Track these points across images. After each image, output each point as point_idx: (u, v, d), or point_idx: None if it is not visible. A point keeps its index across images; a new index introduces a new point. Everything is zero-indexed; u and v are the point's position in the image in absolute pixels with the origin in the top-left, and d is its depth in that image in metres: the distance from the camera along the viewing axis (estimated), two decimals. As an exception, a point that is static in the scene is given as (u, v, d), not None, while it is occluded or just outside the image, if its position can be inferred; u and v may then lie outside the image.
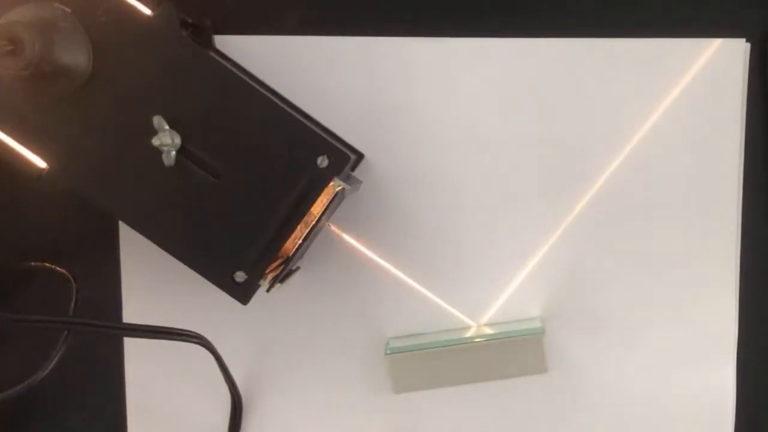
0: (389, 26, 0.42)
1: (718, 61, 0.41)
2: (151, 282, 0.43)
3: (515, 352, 0.41)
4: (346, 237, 0.42)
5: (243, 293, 0.36)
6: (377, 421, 0.43)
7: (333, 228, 0.42)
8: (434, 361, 0.42)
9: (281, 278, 0.38)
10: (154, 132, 0.34)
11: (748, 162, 0.42)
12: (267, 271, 0.36)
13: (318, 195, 0.36)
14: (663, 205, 0.42)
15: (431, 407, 0.43)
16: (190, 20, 0.38)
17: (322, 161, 0.35)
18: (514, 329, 0.41)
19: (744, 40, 0.41)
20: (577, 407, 0.43)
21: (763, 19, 0.42)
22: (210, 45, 0.39)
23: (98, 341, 0.43)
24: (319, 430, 0.42)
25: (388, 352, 0.41)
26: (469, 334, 0.42)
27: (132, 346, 0.43)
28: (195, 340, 0.39)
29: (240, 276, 0.36)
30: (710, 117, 0.42)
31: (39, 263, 0.42)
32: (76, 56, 0.34)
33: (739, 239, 0.42)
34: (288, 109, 0.36)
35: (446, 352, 0.41)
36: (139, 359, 0.43)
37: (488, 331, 0.42)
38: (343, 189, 0.36)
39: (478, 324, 0.43)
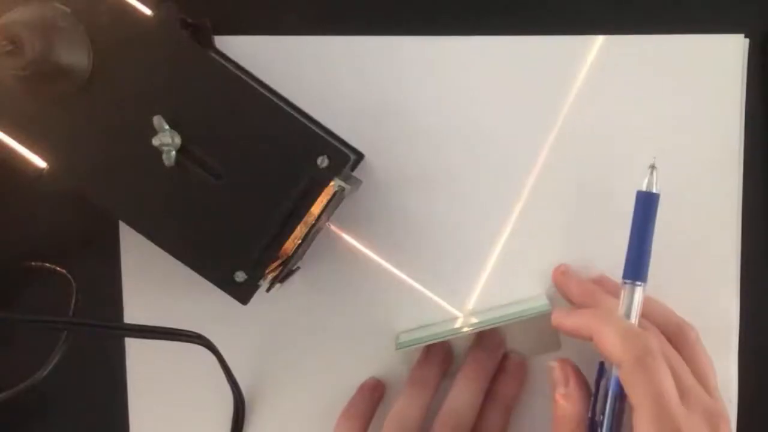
0: (390, 26, 0.42)
1: (717, 57, 0.41)
2: (152, 282, 0.43)
3: (527, 332, 0.41)
4: (346, 237, 0.42)
5: (243, 293, 0.36)
6: (380, 418, 0.43)
7: (333, 228, 0.42)
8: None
9: (281, 278, 0.38)
10: (154, 132, 0.34)
11: (747, 158, 0.42)
12: (267, 271, 0.36)
13: (318, 195, 0.35)
14: (662, 200, 0.42)
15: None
16: (190, 20, 0.38)
17: (322, 161, 0.35)
18: (521, 309, 0.41)
19: (743, 35, 0.41)
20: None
21: (762, 15, 0.42)
22: (210, 45, 0.39)
23: (99, 341, 0.43)
24: (321, 429, 0.42)
25: (399, 347, 0.41)
26: (476, 320, 0.42)
27: (133, 346, 0.43)
28: (196, 341, 0.39)
29: (240, 276, 0.36)
30: (709, 113, 0.42)
31: (39, 263, 0.42)
32: (76, 56, 0.34)
33: (740, 235, 0.42)
34: (288, 109, 0.36)
35: (458, 340, 0.42)
36: (141, 359, 0.43)
37: (496, 314, 0.41)
38: (343, 189, 0.36)
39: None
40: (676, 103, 0.42)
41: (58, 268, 0.42)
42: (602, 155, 0.42)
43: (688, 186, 0.42)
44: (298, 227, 0.36)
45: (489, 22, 0.42)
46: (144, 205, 0.36)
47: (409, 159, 0.42)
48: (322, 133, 0.36)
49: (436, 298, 0.43)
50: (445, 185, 0.42)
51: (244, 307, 0.36)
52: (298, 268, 0.42)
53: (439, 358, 0.42)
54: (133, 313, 0.43)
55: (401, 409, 0.40)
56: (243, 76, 0.36)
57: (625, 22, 0.42)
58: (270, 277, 0.37)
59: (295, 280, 0.41)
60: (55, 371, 0.38)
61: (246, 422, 0.43)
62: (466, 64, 0.42)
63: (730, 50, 0.41)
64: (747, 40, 0.42)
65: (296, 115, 0.37)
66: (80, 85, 0.34)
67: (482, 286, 0.43)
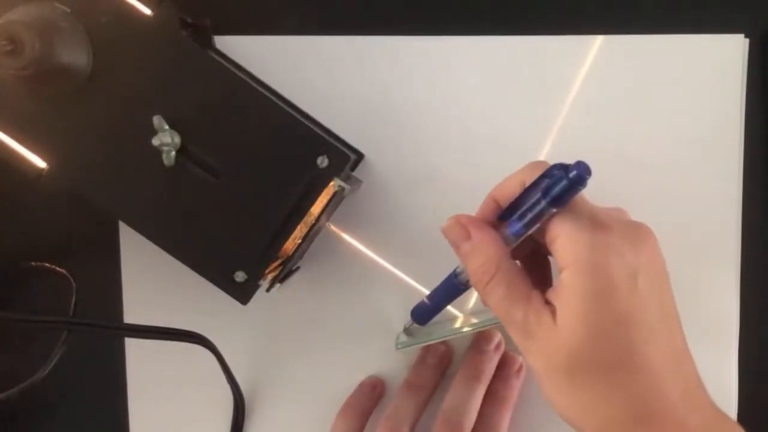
0: (389, 26, 0.42)
1: (717, 57, 0.42)
2: (151, 282, 0.43)
3: None
4: (346, 237, 0.42)
5: (243, 293, 0.36)
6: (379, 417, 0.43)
7: (333, 228, 0.42)
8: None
9: (281, 278, 0.38)
10: (154, 132, 0.34)
11: (747, 158, 0.42)
12: (267, 271, 0.36)
13: (318, 195, 0.36)
14: (663, 200, 0.42)
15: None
16: (190, 20, 0.38)
17: (322, 161, 0.35)
18: None
19: (743, 35, 0.42)
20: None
21: (762, 15, 0.42)
22: (210, 45, 0.39)
23: (98, 341, 0.43)
24: (321, 429, 0.42)
25: (399, 347, 0.41)
26: (476, 320, 0.42)
27: (133, 346, 0.43)
28: (196, 341, 0.39)
29: (240, 276, 0.36)
30: (710, 112, 0.42)
31: (39, 263, 0.42)
32: (76, 56, 0.34)
33: (740, 235, 0.42)
34: (288, 109, 0.36)
35: (458, 340, 0.42)
36: (141, 359, 0.43)
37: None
38: (343, 189, 0.36)
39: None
40: (676, 103, 0.42)
41: (58, 268, 0.42)
42: (602, 155, 0.42)
43: (688, 186, 0.42)
44: (298, 227, 0.36)
45: (489, 22, 0.42)
46: (144, 205, 0.36)
47: (410, 159, 0.42)
48: (322, 133, 0.36)
49: (436, 298, 0.43)
50: (445, 185, 0.42)
51: (244, 307, 0.36)
52: (298, 268, 0.42)
53: (436, 359, 0.42)
54: (133, 313, 0.43)
55: (396, 409, 0.40)
56: (243, 76, 0.36)
57: (625, 22, 0.42)
58: (270, 277, 0.37)
59: (295, 280, 0.41)
60: (55, 371, 0.38)
61: (246, 422, 0.43)
62: (466, 64, 0.42)
63: (730, 50, 0.42)
64: (747, 40, 0.42)
65: (296, 115, 0.37)
66: (80, 85, 0.34)
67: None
